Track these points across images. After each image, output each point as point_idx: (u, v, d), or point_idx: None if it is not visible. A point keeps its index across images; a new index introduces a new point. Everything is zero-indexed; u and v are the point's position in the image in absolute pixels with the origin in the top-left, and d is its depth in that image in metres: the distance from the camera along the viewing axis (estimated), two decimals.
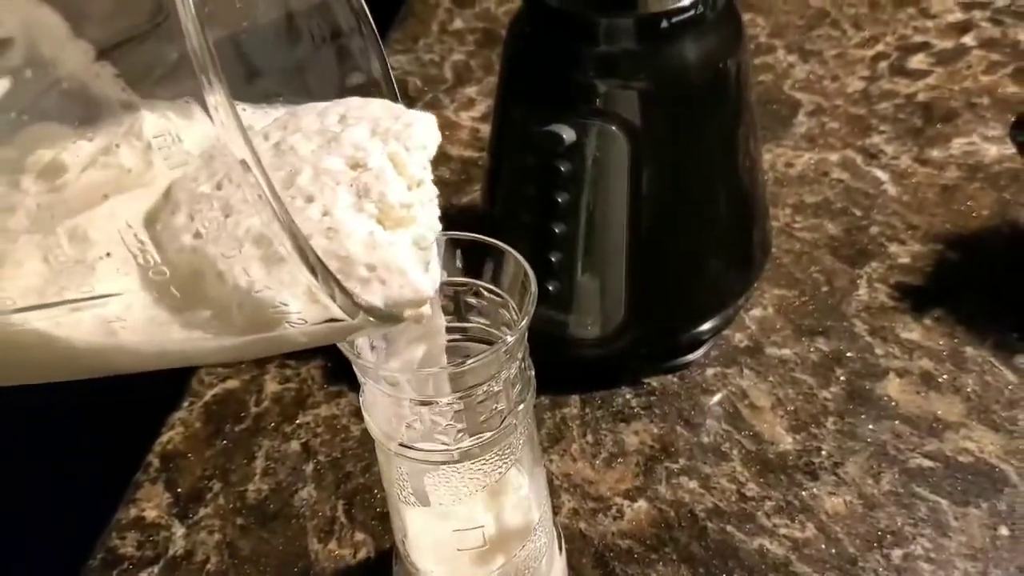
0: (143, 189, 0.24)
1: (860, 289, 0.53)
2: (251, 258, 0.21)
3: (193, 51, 0.19)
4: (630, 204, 0.43)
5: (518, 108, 0.45)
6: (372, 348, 0.30)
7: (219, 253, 0.22)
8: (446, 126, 0.72)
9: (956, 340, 0.50)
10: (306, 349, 0.26)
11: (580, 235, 0.44)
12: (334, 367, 0.52)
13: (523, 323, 0.29)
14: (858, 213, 0.59)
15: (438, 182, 0.27)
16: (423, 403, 0.29)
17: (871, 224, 0.58)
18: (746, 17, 0.80)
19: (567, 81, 0.42)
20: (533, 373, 0.32)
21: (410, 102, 0.75)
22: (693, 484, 0.44)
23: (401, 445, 0.30)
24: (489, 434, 0.30)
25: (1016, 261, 0.54)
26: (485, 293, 0.32)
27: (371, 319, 0.23)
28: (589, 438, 0.47)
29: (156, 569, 0.43)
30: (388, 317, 0.24)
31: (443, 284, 0.30)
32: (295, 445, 0.48)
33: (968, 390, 0.47)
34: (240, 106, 0.29)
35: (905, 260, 0.55)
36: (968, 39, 0.74)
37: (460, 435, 0.30)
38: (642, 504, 0.44)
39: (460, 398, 0.29)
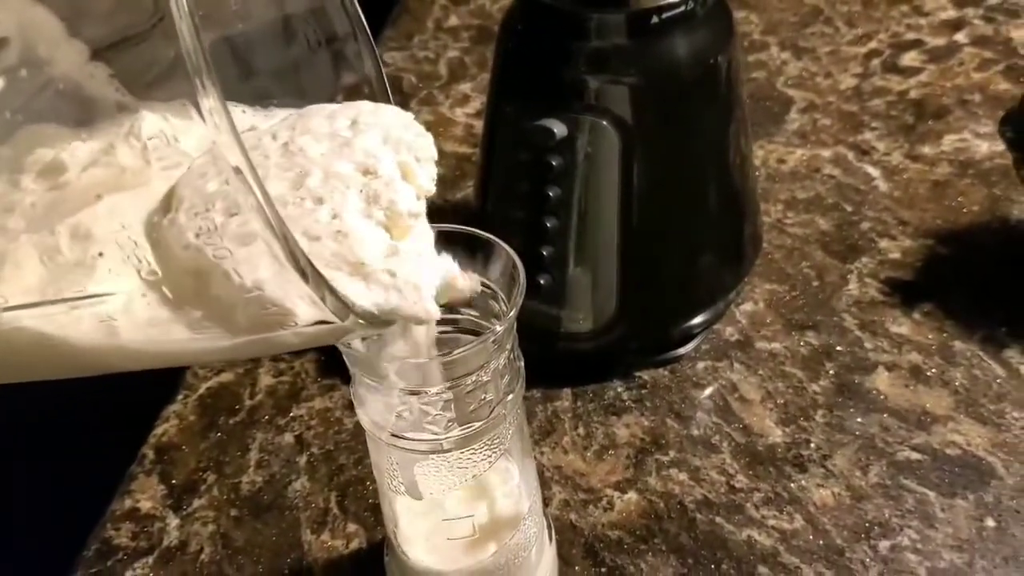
0: (142, 188, 0.24)
1: (850, 284, 0.54)
2: (260, 255, 0.21)
3: (188, 55, 0.19)
4: (621, 199, 0.43)
5: (510, 103, 0.45)
6: (363, 339, 0.31)
7: (226, 251, 0.22)
8: (440, 123, 0.72)
9: (945, 334, 0.50)
10: None
11: (572, 229, 0.44)
12: (328, 361, 0.52)
13: (512, 313, 0.29)
14: (849, 209, 0.59)
15: None
16: (413, 393, 0.30)
17: (862, 220, 0.58)
18: (740, 14, 0.80)
19: (559, 76, 0.42)
20: (522, 364, 0.32)
21: (405, 99, 0.75)
22: (683, 476, 0.45)
23: (392, 435, 0.31)
24: (478, 424, 0.31)
25: (1005, 256, 0.54)
26: None
27: (361, 322, 0.23)
28: (580, 431, 0.47)
29: (150, 560, 0.44)
30: (379, 322, 0.25)
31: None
32: (289, 437, 0.49)
33: (956, 384, 0.47)
34: (239, 107, 0.29)
35: (895, 255, 0.55)
36: (961, 36, 0.75)
37: (450, 425, 0.30)
38: (632, 496, 0.44)
39: (449, 388, 0.29)
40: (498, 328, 0.29)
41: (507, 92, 0.46)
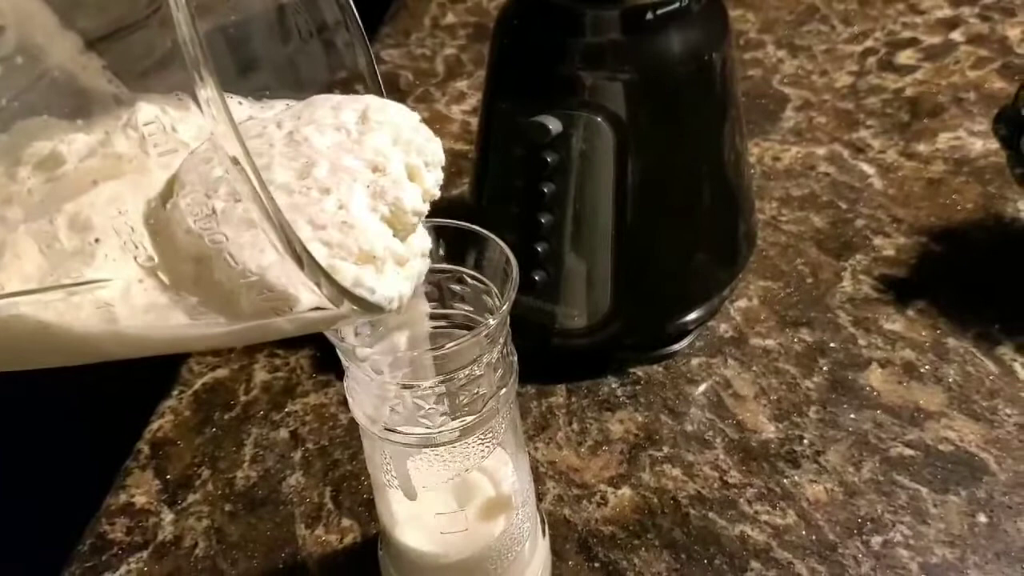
0: (140, 176, 0.24)
1: (844, 281, 0.54)
2: (265, 241, 0.21)
3: (185, 46, 0.19)
4: (616, 195, 0.43)
5: (505, 100, 0.45)
6: (356, 333, 0.31)
7: (223, 236, 0.22)
8: (437, 119, 0.72)
9: (938, 331, 0.50)
10: (294, 338, 0.26)
11: (567, 226, 0.44)
12: (323, 357, 0.53)
13: (504, 308, 0.29)
14: (844, 206, 0.59)
15: None
16: (406, 387, 0.30)
17: (856, 217, 0.58)
18: (736, 12, 0.80)
19: (554, 73, 0.42)
20: (515, 359, 0.32)
21: (401, 96, 0.75)
22: (676, 472, 0.45)
23: (385, 428, 0.31)
24: (471, 418, 0.31)
25: (999, 254, 0.55)
26: (468, 280, 0.32)
27: (356, 308, 0.23)
28: (575, 426, 0.47)
29: (145, 554, 0.44)
30: (372, 307, 0.25)
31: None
32: (283, 433, 0.49)
33: (949, 380, 0.47)
34: (236, 98, 0.29)
35: (890, 252, 0.55)
36: (956, 35, 0.75)
37: (443, 419, 0.30)
38: (626, 491, 0.44)
39: (442, 382, 0.30)
40: (491, 322, 0.29)
41: (502, 88, 0.46)
